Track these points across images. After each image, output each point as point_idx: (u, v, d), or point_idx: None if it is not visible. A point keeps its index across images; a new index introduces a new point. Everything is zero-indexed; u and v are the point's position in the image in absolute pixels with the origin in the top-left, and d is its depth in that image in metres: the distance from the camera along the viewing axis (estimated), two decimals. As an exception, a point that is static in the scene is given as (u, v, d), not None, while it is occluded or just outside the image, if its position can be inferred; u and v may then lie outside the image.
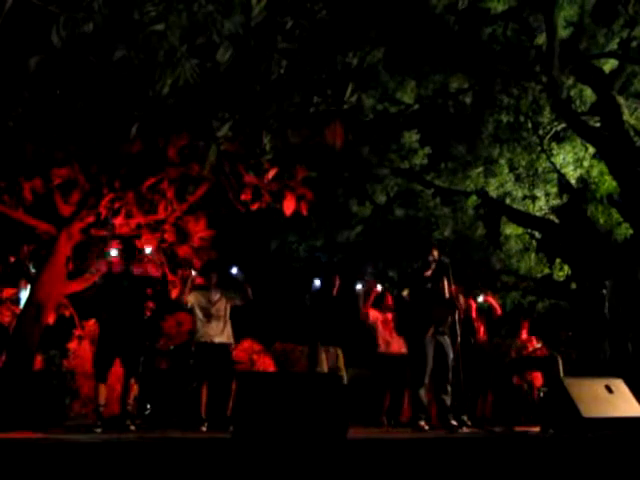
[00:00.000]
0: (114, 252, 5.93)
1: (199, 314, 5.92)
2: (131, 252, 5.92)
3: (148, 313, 8.34)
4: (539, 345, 8.02)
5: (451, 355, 5.42)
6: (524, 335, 8.03)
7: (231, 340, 6.00)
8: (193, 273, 6.10)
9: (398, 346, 6.93)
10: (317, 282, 6.42)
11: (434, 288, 5.61)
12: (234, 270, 6.04)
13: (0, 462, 2.71)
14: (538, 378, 7.98)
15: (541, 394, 7.14)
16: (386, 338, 7.06)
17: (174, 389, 7.46)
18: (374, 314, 7.06)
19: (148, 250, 6.59)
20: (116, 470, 2.77)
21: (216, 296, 5.98)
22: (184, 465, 2.89)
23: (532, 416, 7.65)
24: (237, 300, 6.07)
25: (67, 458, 2.85)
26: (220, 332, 5.85)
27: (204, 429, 5.57)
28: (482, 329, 7.66)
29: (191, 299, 5.96)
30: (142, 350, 5.75)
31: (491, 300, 7.88)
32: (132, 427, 5.31)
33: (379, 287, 7.03)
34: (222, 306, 5.95)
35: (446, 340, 5.48)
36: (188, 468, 2.85)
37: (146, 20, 3.60)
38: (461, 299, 6.51)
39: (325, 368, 5.95)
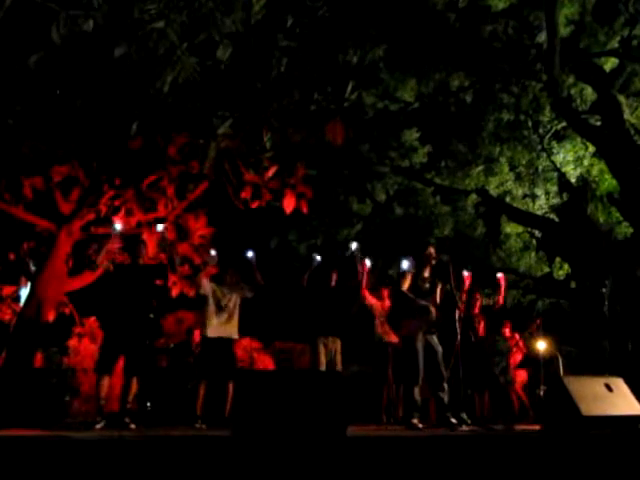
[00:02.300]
0: (118, 226, 5.80)
1: (211, 305, 5.89)
2: (135, 247, 5.84)
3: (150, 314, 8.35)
4: (520, 343, 8.06)
5: (440, 351, 5.44)
6: (507, 333, 8.07)
7: (236, 336, 6.00)
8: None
9: (395, 336, 6.92)
10: (318, 258, 6.16)
11: (430, 288, 5.61)
12: (249, 253, 5.94)
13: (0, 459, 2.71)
14: (521, 376, 8.02)
15: (541, 392, 7.15)
16: (384, 324, 7.06)
17: (174, 387, 7.47)
18: (372, 299, 7.04)
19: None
20: (115, 468, 2.78)
21: (228, 290, 5.96)
22: (183, 463, 2.89)
23: (526, 414, 7.68)
24: (247, 292, 6.03)
25: (66, 455, 2.85)
26: (228, 326, 5.86)
27: (198, 426, 5.58)
28: (482, 326, 7.67)
29: (207, 287, 5.93)
30: (146, 349, 5.73)
31: (502, 282, 7.79)
32: (132, 425, 5.31)
33: (368, 263, 6.93)
34: (233, 299, 5.94)
35: (434, 339, 5.50)
36: (187, 466, 2.86)
37: (146, 18, 3.60)
38: (463, 296, 6.49)
39: (323, 365, 5.92)
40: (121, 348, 5.38)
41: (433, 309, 5.53)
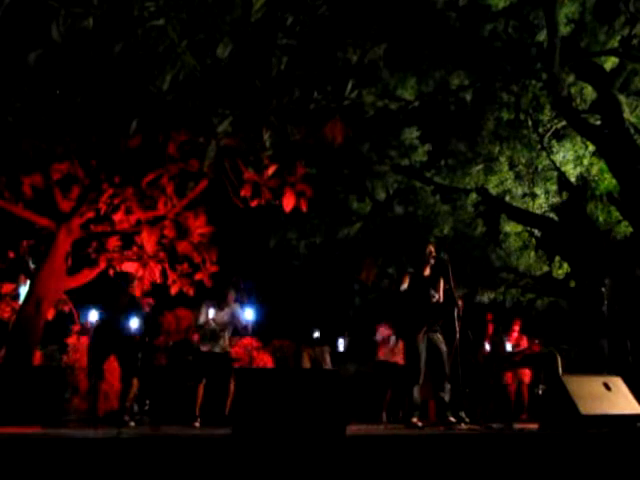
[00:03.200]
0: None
1: (206, 329, 5.95)
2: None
3: (147, 309, 8.36)
4: (529, 343, 8.09)
5: (445, 350, 5.42)
6: (515, 333, 8.08)
7: (228, 349, 6.19)
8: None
9: (399, 358, 7.02)
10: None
11: (431, 286, 5.59)
12: (246, 315, 6.13)
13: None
14: (527, 375, 8.04)
15: (539, 391, 7.16)
16: (389, 349, 7.19)
17: (173, 385, 7.47)
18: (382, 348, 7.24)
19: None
20: (116, 466, 2.78)
21: (225, 317, 6.03)
22: (183, 461, 2.90)
23: (525, 412, 7.70)
24: (238, 325, 6.16)
25: (65, 453, 2.85)
26: (220, 345, 6.00)
27: (197, 425, 5.60)
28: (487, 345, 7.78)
29: (204, 318, 6.01)
30: (138, 347, 5.76)
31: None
32: (132, 423, 5.32)
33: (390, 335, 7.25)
34: (226, 327, 6.03)
35: (438, 337, 5.47)
36: (187, 464, 2.86)
37: (146, 15, 3.60)
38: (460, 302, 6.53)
39: (308, 365, 6.01)
40: (111, 350, 5.43)
41: (435, 305, 5.51)
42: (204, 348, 5.93)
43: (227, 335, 6.10)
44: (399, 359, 6.92)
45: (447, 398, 5.38)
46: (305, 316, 6.31)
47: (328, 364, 6.09)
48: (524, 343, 8.11)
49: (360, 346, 7.81)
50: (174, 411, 7.18)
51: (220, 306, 6.07)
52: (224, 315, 6.05)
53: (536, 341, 8.00)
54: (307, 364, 6.03)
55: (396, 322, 6.46)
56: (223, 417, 5.66)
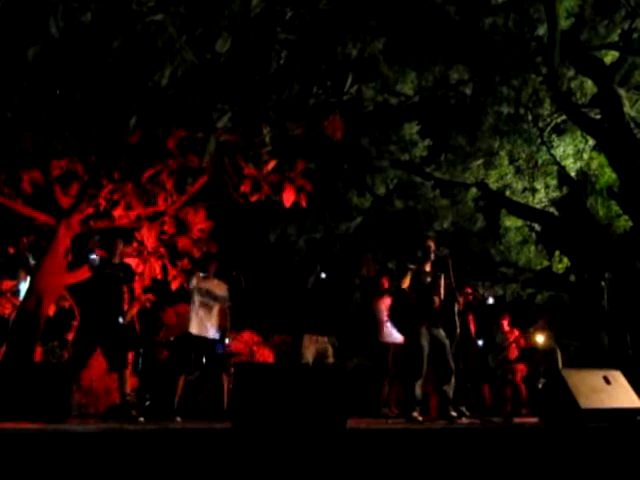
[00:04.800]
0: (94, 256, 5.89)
1: (197, 300, 5.88)
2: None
3: (148, 305, 8.37)
4: (520, 336, 8.10)
5: (448, 344, 5.42)
6: (506, 327, 8.08)
7: (218, 335, 6.04)
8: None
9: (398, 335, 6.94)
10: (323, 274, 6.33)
11: (432, 282, 5.58)
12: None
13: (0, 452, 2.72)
14: (522, 369, 8.06)
15: (539, 385, 7.17)
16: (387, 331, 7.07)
17: (174, 380, 7.47)
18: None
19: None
20: (116, 460, 2.79)
21: (215, 287, 5.95)
22: (183, 455, 2.91)
23: (524, 406, 7.72)
24: (226, 303, 6.06)
25: (67, 448, 2.86)
26: (211, 325, 5.88)
27: (179, 419, 5.60)
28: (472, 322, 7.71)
29: (194, 282, 5.92)
30: (127, 341, 5.70)
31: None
32: (141, 418, 5.31)
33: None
34: (216, 298, 5.93)
35: (440, 332, 5.47)
36: (187, 458, 2.87)
37: (144, 10, 3.59)
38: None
39: (310, 359, 5.87)
40: (96, 342, 5.38)
41: (437, 300, 5.50)
42: (194, 330, 5.80)
43: (217, 310, 5.98)
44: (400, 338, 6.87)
45: (450, 393, 5.39)
46: (301, 307, 6.16)
47: (330, 356, 5.97)
48: (515, 336, 8.13)
49: (360, 340, 7.79)
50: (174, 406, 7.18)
51: (206, 276, 5.96)
52: (215, 283, 5.94)
53: (540, 335, 7.99)
54: (310, 357, 5.89)
55: (398, 318, 6.43)
56: (221, 412, 5.66)
